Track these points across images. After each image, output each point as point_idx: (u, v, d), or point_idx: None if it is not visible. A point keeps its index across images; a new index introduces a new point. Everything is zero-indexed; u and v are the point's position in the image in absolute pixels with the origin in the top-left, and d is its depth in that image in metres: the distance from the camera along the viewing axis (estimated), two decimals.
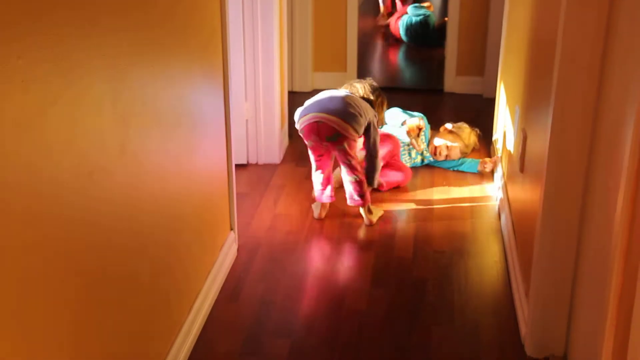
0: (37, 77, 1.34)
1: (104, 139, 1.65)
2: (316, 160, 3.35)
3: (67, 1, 1.45)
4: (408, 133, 3.85)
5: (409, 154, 3.93)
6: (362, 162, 3.41)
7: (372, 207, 3.36)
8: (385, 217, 3.40)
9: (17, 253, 1.31)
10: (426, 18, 7.09)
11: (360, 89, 3.43)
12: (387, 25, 7.44)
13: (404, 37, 7.13)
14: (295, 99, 3.33)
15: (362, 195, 3.32)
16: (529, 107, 2.70)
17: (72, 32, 1.47)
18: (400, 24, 7.17)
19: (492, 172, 3.86)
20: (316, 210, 3.38)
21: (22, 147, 1.30)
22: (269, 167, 3.98)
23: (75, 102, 1.50)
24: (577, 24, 1.97)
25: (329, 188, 3.38)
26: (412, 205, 3.55)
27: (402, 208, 3.52)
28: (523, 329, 2.43)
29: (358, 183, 3.31)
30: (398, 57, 7.21)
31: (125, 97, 1.78)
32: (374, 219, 3.34)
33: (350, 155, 3.26)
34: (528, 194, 2.58)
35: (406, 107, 4.11)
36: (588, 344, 1.98)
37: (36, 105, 1.34)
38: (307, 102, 3.32)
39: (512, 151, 3.13)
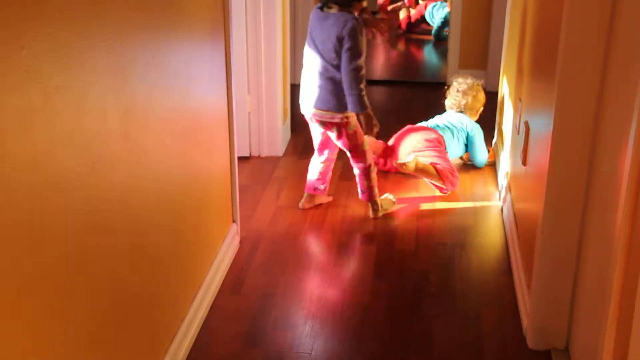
0: (41, 68, 1.34)
1: (106, 129, 1.66)
2: (317, 146, 3.34)
3: None
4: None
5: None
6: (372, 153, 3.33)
7: (383, 201, 3.33)
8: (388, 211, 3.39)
9: (20, 243, 1.31)
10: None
11: None
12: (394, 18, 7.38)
13: (435, 33, 7.00)
14: (297, 91, 3.31)
15: (364, 191, 3.29)
16: (532, 99, 2.70)
17: (76, 21, 1.47)
18: (433, 15, 7.06)
19: (494, 164, 3.86)
20: (301, 201, 3.40)
21: (26, 137, 1.30)
22: (272, 160, 3.99)
23: (79, 92, 1.50)
24: (581, 15, 1.97)
25: (317, 180, 3.35)
26: (414, 196, 3.55)
27: (404, 197, 3.52)
28: (525, 321, 2.43)
29: (362, 175, 3.28)
30: (400, 49, 7.20)
31: (129, 88, 1.78)
32: (380, 214, 3.32)
33: (347, 143, 3.17)
34: (530, 186, 2.58)
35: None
36: (590, 336, 1.98)
37: (39, 96, 1.34)
38: (301, 81, 3.21)
39: (514, 144, 3.13)
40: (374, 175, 3.29)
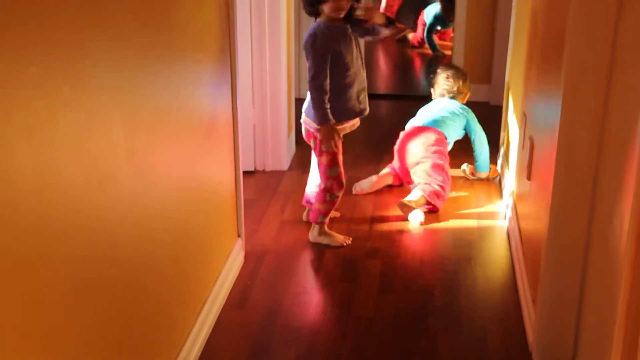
0: (49, 84, 1.35)
1: (112, 145, 1.66)
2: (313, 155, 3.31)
3: (79, 7, 1.46)
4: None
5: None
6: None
7: (328, 231, 3.21)
8: (390, 230, 3.39)
9: (25, 259, 1.32)
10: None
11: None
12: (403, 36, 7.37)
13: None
14: (302, 105, 3.31)
15: (312, 210, 3.21)
16: (536, 114, 2.70)
17: (83, 38, 1.48)
18: (427, 15, 7.01)
19: (499, 180, 3.86)
20: (304, 213, 3.40)
21: (33, 152, 1.31)
22: (276, 174, 3.99)
23: (85, 108, 1.51)
24: (585, 30, 1.98)
25: (313, 192, 3.32)
26: (419, 211, 3.54)
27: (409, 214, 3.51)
28: (530, 336, 2.42)
29: (318, 194, 3.18)
30: (404, 63, 7.22)
31: (135, 104, 1.78)
32: (315, 239, 3.20)
33: (317, 155, 3.14)
34: (535, 201, 2.58)
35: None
36: (596, 351, 1.98)
37: (47, 111, 1.35)
38: None
39: (520, 159, 3.13)
40: (327, 204, 3.16)
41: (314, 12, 3.01)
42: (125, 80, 1.72)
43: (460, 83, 3.95)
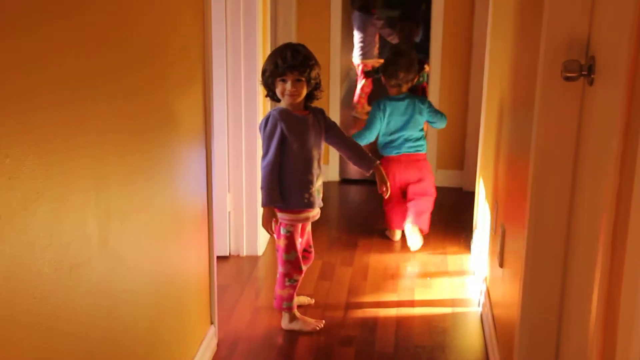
0: (23, 174, 1.36)
1: (86, 234, 1.67)
2: None
3: (53, 102, 1.49)
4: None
5: None
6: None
7: (299, 316, 3.18)
8: (366, 318, 3.38)
9: None
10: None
11: None
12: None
13: None
14: None
15: (275, 297, 3.19)
16: (507, 202, 2.74)
17: (58, 132, 1.51)
18: None
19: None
20: None
21: (4, 243, 1.31)
22: (251, 259, 3.98)
23: (59, 198, 1.52)
24: (550, 123, 2.03)
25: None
26: (393, 298, 3.54)
27: (383, 300, 3.51)
28: None
29: (278, 279, 3.16)
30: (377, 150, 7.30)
31: (109, 193, 1.80)
32: (287, 327, 3.17)
33: (277, 238, 3.12)
34: (508, 288, 2.60)
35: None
36: None
37: (20, 202, 1.36)
38: None
39: (493, 246, 3.16)
40: (288, 289, 3.14)
41: (272, 96, 3.05)
42: (101, 170, 1.74)
43: (412, 70, 4.03)
